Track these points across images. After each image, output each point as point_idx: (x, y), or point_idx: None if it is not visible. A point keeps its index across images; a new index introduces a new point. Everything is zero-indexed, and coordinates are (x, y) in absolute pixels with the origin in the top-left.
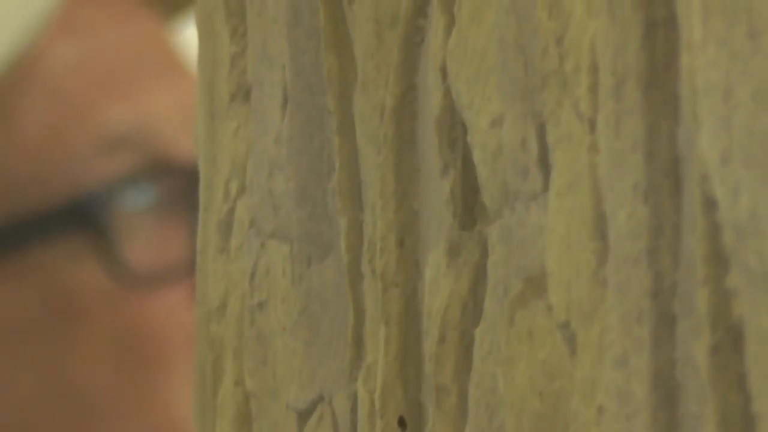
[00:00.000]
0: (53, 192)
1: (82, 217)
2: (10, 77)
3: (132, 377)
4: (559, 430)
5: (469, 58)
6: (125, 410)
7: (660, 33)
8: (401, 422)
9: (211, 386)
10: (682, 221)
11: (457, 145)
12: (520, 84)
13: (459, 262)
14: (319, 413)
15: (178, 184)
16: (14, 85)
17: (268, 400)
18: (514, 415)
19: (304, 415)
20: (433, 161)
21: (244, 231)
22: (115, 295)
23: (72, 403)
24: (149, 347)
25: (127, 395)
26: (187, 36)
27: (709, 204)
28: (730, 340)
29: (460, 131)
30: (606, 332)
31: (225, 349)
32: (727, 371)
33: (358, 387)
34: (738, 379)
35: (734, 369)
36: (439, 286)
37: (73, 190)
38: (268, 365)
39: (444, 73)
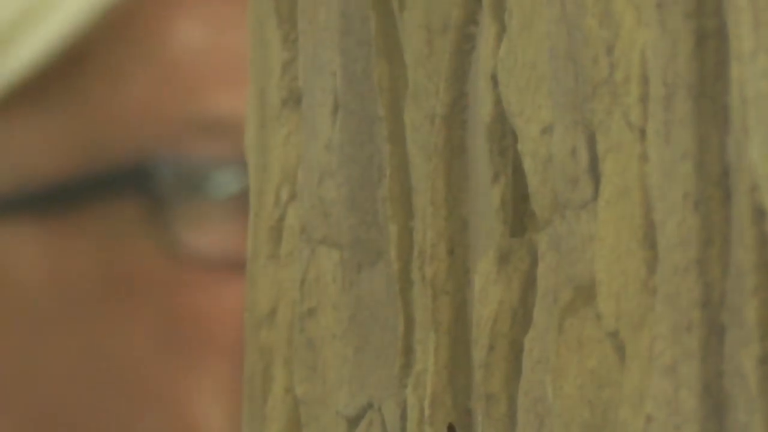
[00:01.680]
0: (123, 156)
1: (142, 185)
2: (126, 42)
3: (170, 361)
4: None
5: (520, 66)
6: (156, 392)
7: (710, 43)
8: (451, 430)
9: (261, 393)
10: (731, 231)
11: (507, 153)
12: (570, 93)
13: (509, 270)
14: (369, 420)
15: None
16: (130, 50)
17: (318, 407)
18: (563, 424)
19: (353, 422)
20: (483, 169)
21: (294, 237)
22: (169, 276)
23: (112, 375)
24: (199, 337)
25: (161, 378)
26: None
27: (759, 214)
28: None
29: (511, 139)
30: (655, 341)
31: (275, 356)
32: None
33: (408, 394)
34: None
35: None
36: (489, 294)
37: (149, 160)
38: (318, 372)
39: (494, 81)
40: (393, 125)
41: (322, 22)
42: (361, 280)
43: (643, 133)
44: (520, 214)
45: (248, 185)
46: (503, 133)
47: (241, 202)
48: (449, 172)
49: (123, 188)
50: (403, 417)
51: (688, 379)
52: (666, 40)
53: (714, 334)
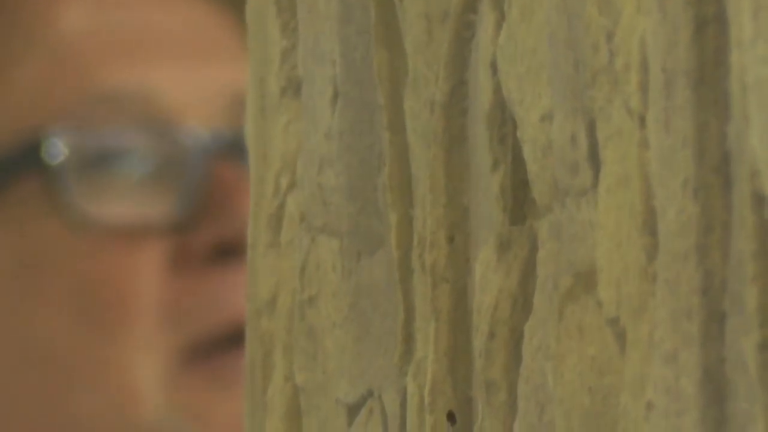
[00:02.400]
0: (18, 139)
1: (39, 163)
2: (12, 26)
3: (92, 330)
4: (608, 426)
5: (520, 54)
6: (84, 363)
7: (710, 30)
8: (451, 417)
9: (261, 382)
10: (731, 218)
11: (507, 141)
12: (570, 80)
13: (509, 257)
14: (369, 408)
15: (176, 150)
16: (16, 34)
17: (318, 395)
18: (564, 411)
19: (353, 410)
20: (482, 157)
21: (294, 226)
22: (80, 249)
23: (31, 354)
24: (114, 305)
25: (86, 349)
26: None
27: (759, 201)
28: None
29: (510, 127)
30: (655, 328)
31: (275, 345)
32: None
33: (408, 382)
34: None
35: None
36: (489, 281)
37: (45, 135)
38: (318, 360)
39: (494, 69)
40: (393, 113)
41: (322, 10)
42: (361, 269)
43: (642, 120)
44: (520, 202)
45: (155, 159)
46: (503, 120)
47: (154, 172)
48: (449, 160)
49: (21, 169)
50: (403, 405)
51: (688, 366)
52: (666, 27)
53: (714, 321)
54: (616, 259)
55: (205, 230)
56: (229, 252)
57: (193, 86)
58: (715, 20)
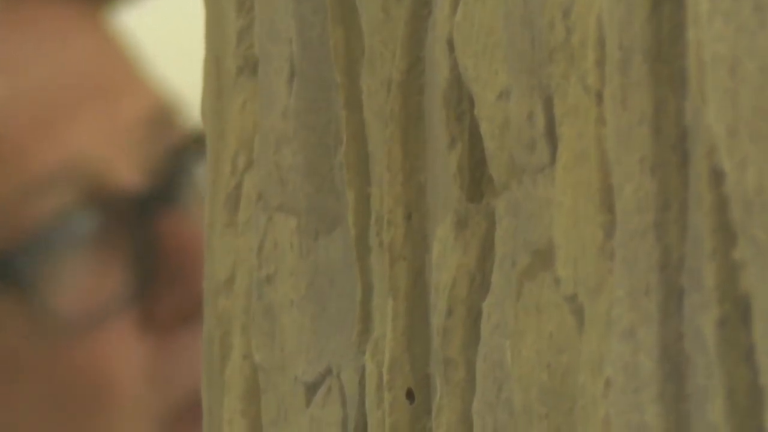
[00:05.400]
0: None
1: (5, 274)
2: None
3: (80, 424)
4: (566, 403)
5: (476, 31)
6: None
7: (666, 6)
8: (409, 395)
9: (219, 360)
10: (689, 195)
11: (464, 119)
12: (526, 57)
13: (466, 235)
14: (327, 386)
15: (115, 214)
16: None
17: (276, 374)
18: (522, 388)
19: (312, 388)
20: (440, 135)
21: (251, 205)
22: (48, 347)
23: None
24: (93, 392)
25: None
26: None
27: (717, 177)
28: (737, 314)
29: (467, 105)
30: (613, 305)
31: (233, 324)
32: (734, 344)
33: (366, 360)
34: (746, 353)
35: (742, 342)
36: (447, 259)
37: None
38: (276, 339)
39: (451, 46)
40: (349, 92)
41: None
42: (318, 247)
43: (599, 97)
44: (477, 180)
45: (101, 223)
46: (460, 98)
47: (101, 238)
48: (406, 138)
49: None
50: (362, 383)
51: (646, 342)
52: (622, 4)
53: (672, 298)
54: (573, 236)
55: (166, 295)
56: (193, 315)
57: (112, 130)
58: None
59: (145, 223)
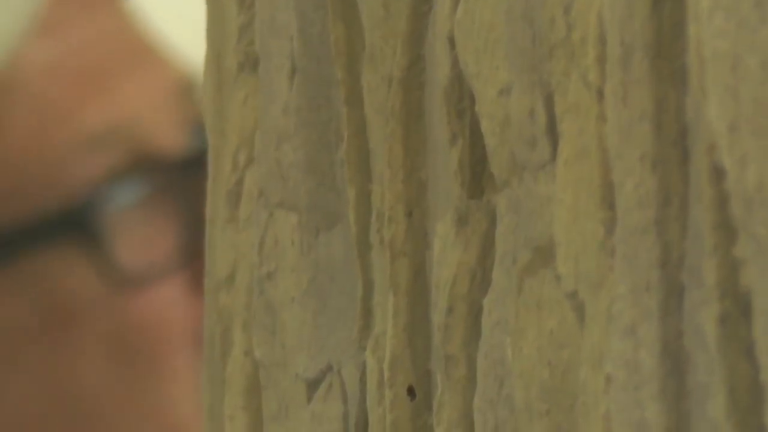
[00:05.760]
0: (40, 200)
1: (70, 223)
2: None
3: (129, 377)
4: (567, 399)
5: (477, 28)
6: (124, 411)
7: (667, 3)
8: (410, 392)
9: (220, 357)
10: (690, 191)
11: (465, 115)
12: (527, 54)
13: (467, 232)
14: (328, 383)
15: (165, 176)
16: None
17: (277, 370)
18: (523, 384)
19: (313, 385)
20: (441, 131)
21: (252, 201)
22: (107, 297)
23: (69, 407)
24: (145, 346)
25: (125, 395)
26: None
27: (717, 174)
28: (738, 310)
29: (468, 101)
30: (614, 302)
31: (234, 320)
32: (735, 341)
33: (367, 357)
34: (746, 349)
35: (742, 339)
36: (448, 256)
37: (59, 196)
38: (277, 335)
39: (452, 43)
40: (350, 88)
41: None
42: (319, 244)
43: (600, 93)
44: (478, 176)
45: (151, 186)
46: (461, 95)
47: (152, 201)
48: (407, 134)
49: (53, 232)
50: (363, 379)
51: (647, 339)
52: (623, 1)
53: (673, 295)
54: (574, 233)
55: None
56: None
57: (154, 95)
58: None
59: (190, 183)
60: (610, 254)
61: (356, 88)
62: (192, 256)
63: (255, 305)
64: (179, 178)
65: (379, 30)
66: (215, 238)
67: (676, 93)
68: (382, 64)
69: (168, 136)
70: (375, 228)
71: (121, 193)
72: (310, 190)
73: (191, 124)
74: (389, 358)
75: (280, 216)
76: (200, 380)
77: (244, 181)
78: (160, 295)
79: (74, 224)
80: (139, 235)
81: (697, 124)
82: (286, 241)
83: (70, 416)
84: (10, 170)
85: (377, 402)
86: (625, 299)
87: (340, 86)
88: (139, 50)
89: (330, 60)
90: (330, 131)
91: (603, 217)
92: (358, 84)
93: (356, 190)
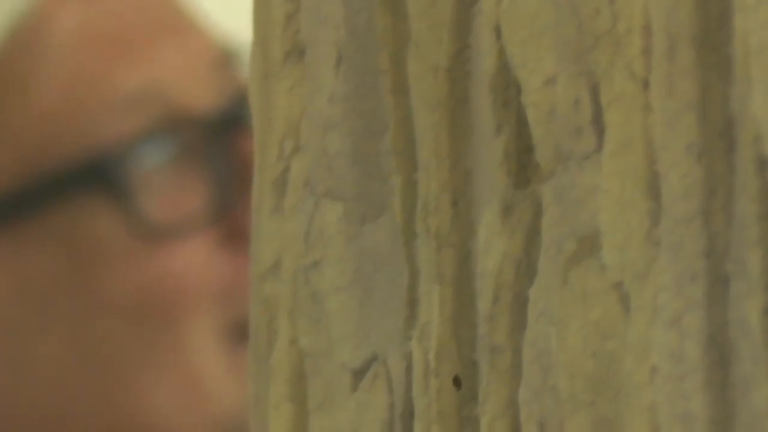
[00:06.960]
0: (69, 154)
1: (99, 176)
2: (18, 46)
3: (153, 329)
4: (612, 390)
5: (523, 18)
6: (148, 362)
7: None
8: (456, 381)
9: (266, 346)
10: (735, 182)
11: (510, 105)
12: (573, 44)
13: (513, 222)
14: (374, 372)
15: (194, 137)
16: (23, 53)
17: (323, 360)
18: (568, 375)
19: (358, 374)
20: (486, 121)
21: (298, 190)
22: (135, 250)
23: (96, 357)
24: (169, 299)
25: (149, 347)
26: None
27: (762, 164)
28: None
29: (514, 91)
30: (660, 292)
31: (279, 309)
32: None
33: (413, 346)
34: None
35: None
36: (493, 245)
37: (88, 151)
38: (323, 324)
39: (498, 33)
40: (396, 77)
41: None
42: (364, 233)
43: (646, 84)
44: (523, 166)
45: (180, 146)
46: (506, 84)
47: (181, 160)
48: (453, 123)
49: (81, 185)
50: (409, 369)
51: (692, 329)
52: None
53: (718, 285)
54: (619, 223)
55: (242, 216)
56: None
57: (188, 59)
58: None
59: (221, 145)
60: (655, 245)
61: (402, 77)
62: (221, 215)
63: (300, 294)
64: (211, 140)
65: (425, 19)
66: (261, 226)
67: (721, 84)
68: (428, 54)
69: (200, 99)
70: (421, 217)
71: (151, 151)
72: (356, 180)
73: (228, 92)
74: (435, 347)
75: (326, 205)
76: (220, 331)
77: (290, 170)
78: (186, 250)
79: (103, 179)
80: (167, 192)
81: (743, 115)
82: (332, 230)
83: (93, 367)
84: (40, 129)
85: (423, 392)
86: (671, 290)
87: (386, 75)
88: (174, 17)
89: (376, 49)
90: (376, 120)
91: (648, 207)
92: (404, 73)
93: (402, 179)
